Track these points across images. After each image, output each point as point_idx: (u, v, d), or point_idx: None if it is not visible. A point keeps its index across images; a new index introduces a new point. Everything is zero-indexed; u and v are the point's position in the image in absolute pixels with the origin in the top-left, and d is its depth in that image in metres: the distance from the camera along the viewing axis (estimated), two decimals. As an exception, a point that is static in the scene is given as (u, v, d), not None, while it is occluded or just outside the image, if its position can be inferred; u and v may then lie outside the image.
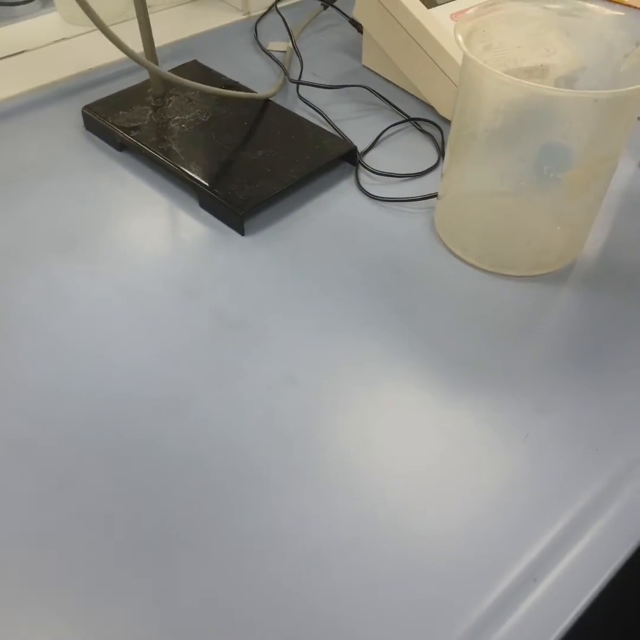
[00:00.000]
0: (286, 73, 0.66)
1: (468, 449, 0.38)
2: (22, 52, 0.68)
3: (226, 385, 0.40)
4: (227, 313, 0.44)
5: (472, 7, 0.45)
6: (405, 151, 0.59)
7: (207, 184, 0.50)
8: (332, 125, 0.60)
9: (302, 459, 0.37)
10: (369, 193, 0.54)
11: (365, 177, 0.56)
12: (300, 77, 0.66)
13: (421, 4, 0.60)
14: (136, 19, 0.55)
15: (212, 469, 0.36)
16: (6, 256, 0.48)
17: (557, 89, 0.40)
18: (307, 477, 0.36)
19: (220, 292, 0.46)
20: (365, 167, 0.56)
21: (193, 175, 0.51)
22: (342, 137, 0.58)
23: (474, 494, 0.36)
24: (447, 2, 0.61)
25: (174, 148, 0.53)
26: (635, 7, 0.83)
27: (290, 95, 0.64)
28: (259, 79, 0.66)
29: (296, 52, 0.68)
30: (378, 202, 0.53)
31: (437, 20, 0.59)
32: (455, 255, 0.49)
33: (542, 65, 0.48)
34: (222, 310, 0.45)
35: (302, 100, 0.63)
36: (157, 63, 0.57)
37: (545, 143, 0.43)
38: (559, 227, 0.47)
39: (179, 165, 0.52)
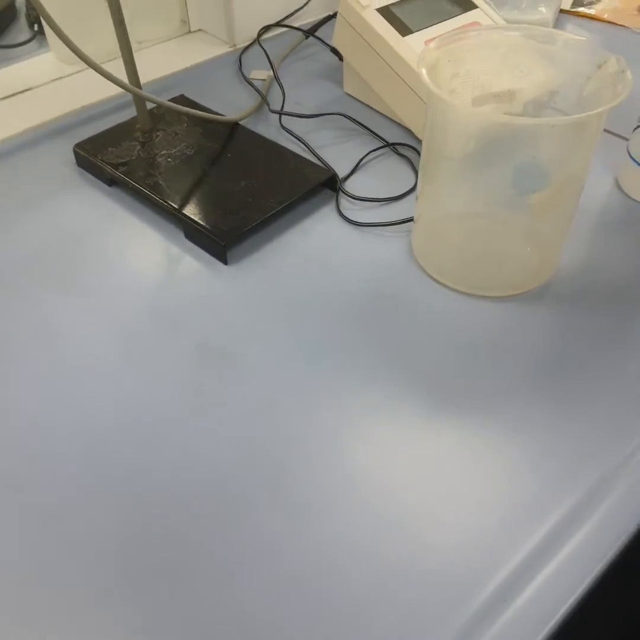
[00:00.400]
0: (264, 98, 0.68)
1: (445, 469, 0.39)
2: (20, 92, 0.71)
3: (210, 413, 0.42)
4: (210, 342, 0.46)
5: (457, 33, 0.47)
6: (384, 175, 0.60)
7: (191, 216, 0.52)
8: (313, 153, 0.62)
9: (284, 485, 0.38)
10: (348, 219, 0.56)
11: (345, 203, 0.58)
12: (282, 106, 0.68)
13: (396, 32, 0.62)
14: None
15: (197, 496, 0.38)
16: None
17: (514, 117, 0.41)
18: (289, 501, 0.38)
19: (203, 322, 0.48)
20: (345, 193, 0.58)
21: (177, 208, 0.53)
22: (324, 164, 0.60)
23: (450, 514, 0.37)
24: (421, 29, 0.63)
25: (160, 182, 0.56)
26: (615, 23, 0.85)
27: (273, 125, 0.67)
28: (242, 109, 0.68)
29: (277, 80, 0.71)
30: (358, 227, 0.55)
31: (411, 47, 0.61)
32: (433, 278, 0.50)
33: (509, 90, 0.50)
34: (205, 339, 0.46)
35: (285, 130, 0.65)
36: (144, 99, 0.60)
37: (516, 165, 0.45)
38: (529, 248, 0.49)
39: (164, 199, 0.54)
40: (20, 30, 0.84)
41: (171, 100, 0.67)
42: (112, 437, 0.41)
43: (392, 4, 0.64)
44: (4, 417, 0.42)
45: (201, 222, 0.52)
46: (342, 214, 0.56)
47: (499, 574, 0.34)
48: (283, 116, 0.67)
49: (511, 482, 0.38)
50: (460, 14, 0.66)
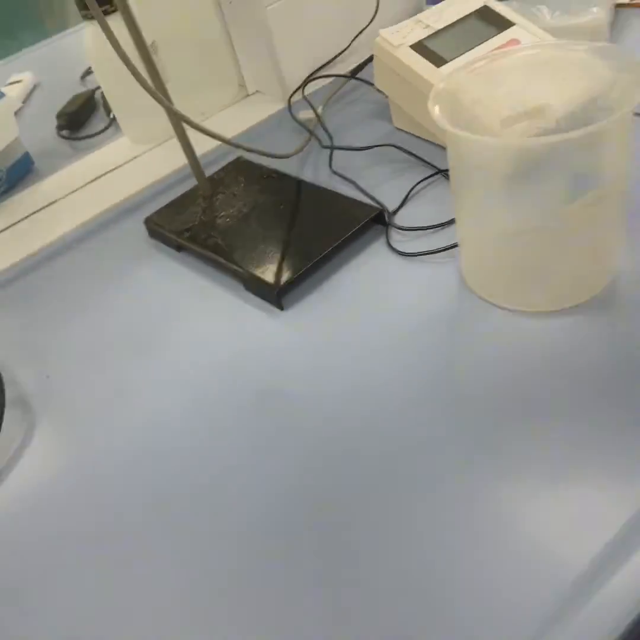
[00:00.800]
0: (312, 133, 0.72)
1: (494, 505, 0.39)
2: (99, 177, 0.79)
3: (269, 458, 0.44)
4: (269, 387, 0.49)
5: (478, 59, 0.47)
6: (436, 203, 0.61)
7: (246, 269, 0.56)
8: (362, 191, 0.64)
9: (348, 531, 0.40)
10: (398, 251, 0.57)
11: (397, 236, 0.59)
12: (331, 144, 0.71)
13: (431, 65, 0.63)
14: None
15: (266, 535, 0.40)
16: (84, 357, 0.56)
17: (525, 139, 0.41)
18: (344, 545, 0.39)
19: (262, 368, 0.50)
20: (395, 226, 0.59)
21: (234, 263, 0.57)
22: (373, 200, 0.62)
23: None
24: (457, 57, 0.64)
25: (220, 242, 0.60)
26: None
27: (323, 168, 0.70)
28: (297, 159, 0.72)
29: (318, 118, 0.75)
30: (408, 258, 0.56)
31: (447, 77, 0.62)
32: (483, 299, 0.50)
33: (539, 106, 0.49)
34: (264, 385, 0.49)
35: (334, 172, 0.68)
36: (201, 169, 0.65)
37: (550, 178, 0.44)
38: (578, 259, 0.48)
39: (222, 257, 0.58)
40: (101, 120, 0.93)
41: (229, 163, 0.72)
42: (182, 484, 0.44)
43: (425, 38, 0.65)
44: (90, 475, 0.46)
45: (255, 273, 0.55)
46: (392, 247, 0.58)
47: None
48: (334, 157, 0.70)
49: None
50: (497, 35, 0.66)
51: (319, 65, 0.85)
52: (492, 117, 0.49)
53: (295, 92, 0.84)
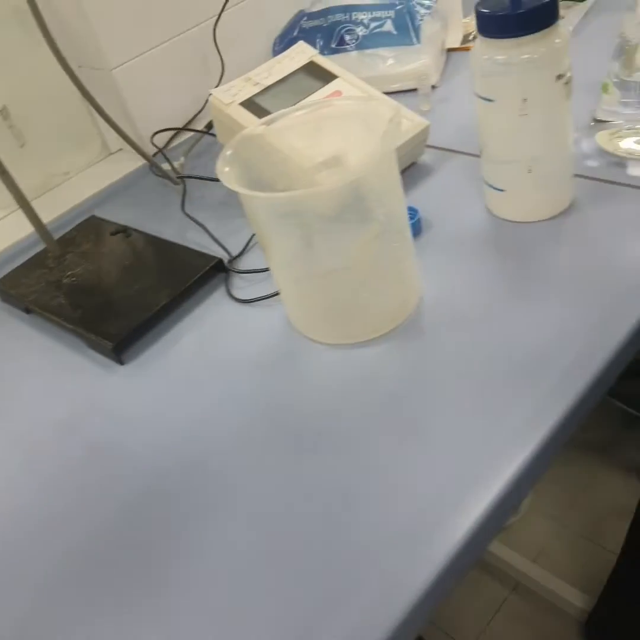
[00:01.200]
0: (170, 176, 0.75)
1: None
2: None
3: (93, 510, 0.46)
4: (103, 441, 0.50)
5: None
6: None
7: (86, 328, 0.58)
8: (210, 235, 0.68)
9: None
10: (235, 297, 0.60)
11: (239, 281, 0.62)
12: (184, 192, 0.75)
13: (259, 120, 0.67)
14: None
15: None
16: None
17: (254, 193, 0.44)
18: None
19: (98, 423, 0.52)
20: (236, 271, 0.63)
21: (75, 323, 0.59)
22: (219, 244, 0.66)
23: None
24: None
25: (63, 302, 0.61)
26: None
27: (175, 215, 0.73)
28: (159, 208, 0.75)
29: (174, 169, 0.80)
30: (245, 303, 0.59)
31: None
32: (307, 338, 0.54)
33: (334, 157, 0.54)
34: (99, 439, 0.51)
35: (186, 215, 0.73)
36: (47, 231, 0.66)
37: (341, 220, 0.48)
38: (379, 292, 0.52)
39: (64, 318, 0.60)
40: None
41: (82, 222, 0.74)
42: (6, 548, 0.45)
43: (255, 95, 0.70)
44: None
45: (93, 331, 0.57)
46: (231, 294, 0.60)
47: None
48: (191, 205, 0.74)
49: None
50: (322, 88, 0.71)
51: (183, 122, 0.89)
52: (289, 171, 0.53)
53: (163, 147, 0.87)
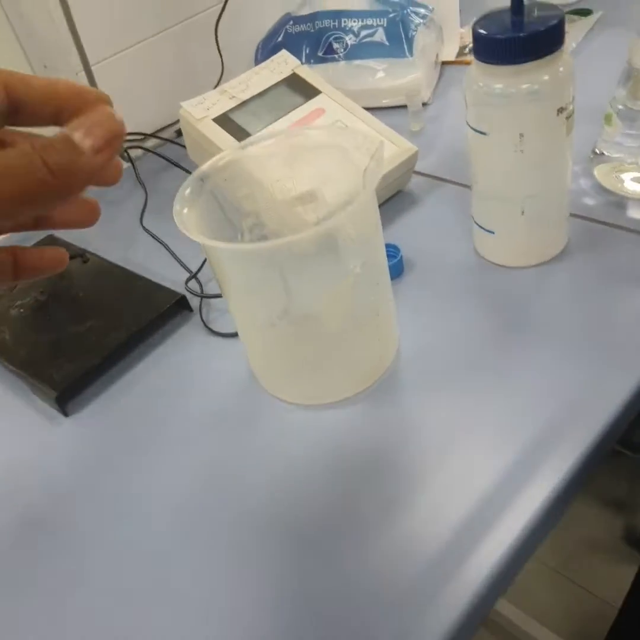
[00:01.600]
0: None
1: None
2: None
3: (33, 575, 0.40)
4: (37, 507, 0.45)
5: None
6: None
7: (29, 372, 0.52)
8: (172, 254, 0.63)
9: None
10: (205, 325, 0.55)
11: (213, 313, 0.56)
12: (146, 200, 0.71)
13: (233, 139, 0.61)
14: None
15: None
16: None
17: (222, 243, 0.38)
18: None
19: (34, 481, 0.46)
20: (200, 295, 0.57)
21: (17, 365, 0.53)
22: (181, 263, 0.61)
23: None
24: (259, 130, 0.62)
25: (7, 337, 0.55)
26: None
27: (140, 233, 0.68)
28: (120, 227, 0.69)
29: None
30: (214, 335, 0.54)
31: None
32: (269, 394, 0.48)
33: (309, 191, 0.48)
34: (32, 505, 0.45)
35: (145, 230, 0.68)
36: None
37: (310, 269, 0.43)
38: (350, 346, 0.46)
39: (6, 357, 0.53)
40: None
41: (39, 242, 0.68)
42: None
43: (230, 110, 0.64)
44: None
45: (36, 376, 0.51)
46: (207, 326, 0.55)
47: None
48: (155, 221, 0.69)
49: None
50: (303, 104, 0.65)
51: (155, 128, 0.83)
52: (267, 202, 0.48)
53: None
